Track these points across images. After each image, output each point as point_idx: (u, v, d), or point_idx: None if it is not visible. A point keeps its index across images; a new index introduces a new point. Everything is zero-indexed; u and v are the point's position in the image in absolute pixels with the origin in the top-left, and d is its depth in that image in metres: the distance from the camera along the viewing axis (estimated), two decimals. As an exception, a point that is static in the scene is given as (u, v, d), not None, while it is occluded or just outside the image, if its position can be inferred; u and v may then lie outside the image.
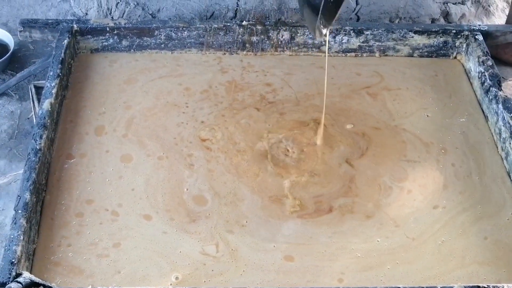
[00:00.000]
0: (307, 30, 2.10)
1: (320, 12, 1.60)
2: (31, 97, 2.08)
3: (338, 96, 2.02)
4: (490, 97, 1.94)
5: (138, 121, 1.88)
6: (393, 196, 1.72)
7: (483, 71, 2.00)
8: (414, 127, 1.92)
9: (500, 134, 1.86)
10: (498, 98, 1.90)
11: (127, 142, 1.81)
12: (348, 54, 2.16)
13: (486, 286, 1.39)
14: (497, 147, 1.87)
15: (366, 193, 1.72)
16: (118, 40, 2.08)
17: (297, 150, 1.83)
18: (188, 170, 1.75)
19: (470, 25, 2.17)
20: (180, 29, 2.08)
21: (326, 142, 1.86)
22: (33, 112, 2.04)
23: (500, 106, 1.87)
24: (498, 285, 1.40)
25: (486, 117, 1.96)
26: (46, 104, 1.77)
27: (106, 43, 2.09)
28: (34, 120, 1.94)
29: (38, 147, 1.65)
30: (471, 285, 1.40)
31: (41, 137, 1.68)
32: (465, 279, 1.52)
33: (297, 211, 1.66)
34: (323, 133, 1.87)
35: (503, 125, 1.84)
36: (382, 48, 2.15)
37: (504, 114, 1.84)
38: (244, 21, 2.11)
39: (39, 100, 1.96)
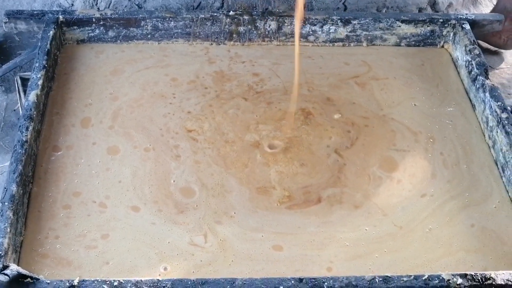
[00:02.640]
0: (294, 20, 2.09)
1: None
2: (17, 89, 2.07)
3: (327, 85, 2.01)
4: (477, 86, 1.94)
5: (125, 113, 1.87)
6: (383, 186, 1.72)
7: (470, 60, 2.01)
8: (402, 116, 1.92)
9: (487, 122, 1.86)
10: (485, 86, 1.90)
11: (114, 134, 1.80)
12: (336, 44, 2.16)
13: (473, 274, 1.39)
14: (484, 136, 1.87)
15: (355, 183, 1.72)
16: (104, 31, 2.07)
17: (285, 141, 1.83)
18: (174, 161, 1.75)
19: (457, 14, 2.18)
20: (167, 19, 2.07)
21: (315, 132, 1.86)
22: (19, 104, 2.03)
23: (487, 94, 1.88)
24: (486, 272, 1.40)
25: (473, 106, 1.96)
26: (32, 96, 1.76)
27: (92, 34, 2.07)
28: (20, 112, 1.93)
29: (24, 139, 1.64)
30: (458, 273, 1.40)
31: (27, 129, 1.67)
32: (452, 266, 1.53)
33: (286, 202, 1.66)
34: (312, 123, 1.87)
35: (490, 114, 1.84)
36: (369, 37, 2.15)
37: (491, 103, 1.85)
38: (231, 11, 2.10)
39: (25, 92, 1.95)
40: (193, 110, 1.90)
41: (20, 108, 2.00)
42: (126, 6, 2.30)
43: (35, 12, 2.05)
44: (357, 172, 1.75)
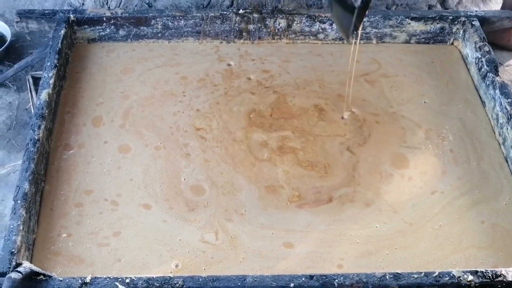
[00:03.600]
0: (303, 18, 2.10)
1: (355, 14, 1.53)
2: (28, 88, 2.08)
3: (337, 83, 2.01)
4: (487, 83, 1.94)
5: (135, 111, 1.88)
6: (394, 184, 1.72)
7: (480, 56, 2.00)
8: (412, 113, 1.92)
9: (497, 119, 1.86)
10: (495, 83, 1.90)
11: (125, 132, 1.82)
12: (345, 42, 2.15)
13: (484, 271, 1.40)
14: (494, 133, 1.87)
15: (367, 182, 1.73)
16: (115, 30, 2.08)
17: (298, 138, 1.83)
18: (184, 160, 1.76)
19: (467, 11, 2.17)
20: (177, 18, 2.08)
21: (327, 129, 1.86)
22: (31, 103, 2.04)
23: (497, 91, 1.87)
24: (496, 269, 1.40)
25: (483, 103, 1.96)
26: (44, 95, 1.77)
27: (103, 33, 2.09)
28: (32, 111, 1.94)
29: (36, 138, 1.66)
30: (469, 270, 1.40)
31: (39, 128, 1.68)
32: (463, 263, 1.53)
33: (296, 201, 1.67)
34: (327, 118, 1.89)
35: (500, 111, 1.84)
36: (379, 35, 2.15)
37: (501, 100, 1.84)
38: (241, 10, 2.11)
39: (36, 91, 1.97)
40: (202, 108, 1.90)
41: (32, 107, 2.02)
42: (136, 5, 2.31)
43: (46, 11, 2.06)
44: (370, 170, 1.76)
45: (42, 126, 1.70)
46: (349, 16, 1.54)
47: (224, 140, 1.81)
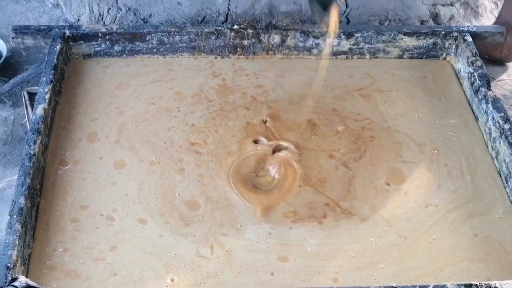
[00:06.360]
0: (297, 33, 2.12)
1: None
2: (24, 103, 2.09)
3: (332, 97, 2.03)
4: (480, 97, 1.96)
5: (130, 127, 1.89)
6: (389, 198, 1.73)
7: (472, 71, 2.03)
8: (406, 128, 1.94)
9: (490, 133, 1.88)
10: (488, 98, 1.92)
11: (120, 148, 1.82)
12: (339, 57, 2.18)
13: (478, 284, 1.40)
14: (487, 147, 1.89)
15: (363, 196, 1.73)
16: (110, 46, 2.09)
17: (293, 153, 1.84)
18: (179, 175, 1.76)
19: (459, 26, 2.19)
20: (172, 33, 2.09)
21: (321, 145, 1.87)
22: (26, 118, 2.04)
23: (490, 106, 1.89)
24: (491, 282, 1.41)
25: (476, 117, 1.98)
26: (40, 110, 1.78)
27: (98, 49, 2.10)
28: (28, 126, 1.95)
29: (32, 153, 1.66)
30: (463, 283, 1.41)
31: (35, 143, 1.69)
32: (457, 276, 1.54)
33: (291, 217, 1.67)
34: (319, 133, 1.90)
35: (493, 125, 1.86)
36: (372, 50, 2.17)
37: (494, 114, 1.86)
38: (235, 25, 2.12)
39: (32, 106, 1.97)
40: (197, 123, 1.91)
41: (27, 122, 2.02)
42: (131, 21, 2.33)
43: (41, 27, 2.07)
44: (365, 185, 1.76)
45: (38, 141, 1.70)
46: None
47: (219, 155, 1.82)
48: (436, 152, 1.87)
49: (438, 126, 1.95)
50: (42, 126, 1.75)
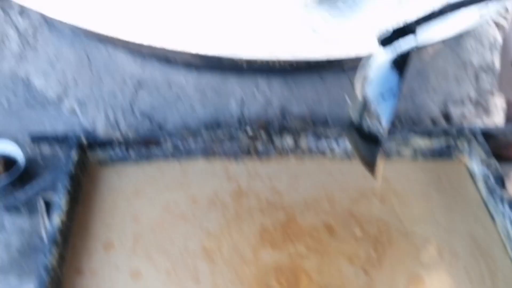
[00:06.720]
0: (309, 134, 2.14)
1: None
2: (40, 212, 2.09)
3: (347, 199, 2.03)
4: (496, 198, 1.95)
5: (146, 235, 1.89)
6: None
7: (486, 172, 2.03)
8: (423, 231, 1.92)
9: (508, 235, 1.86)
10: (503, 199, 1.91)
11: (136, 257, 1.81)
12: (353, 159, 2.18)
13: None
14: (506, 249, 1.86)
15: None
16: (126, 152, 2.12)
17: (308, 258, 1.82)
18: (195, 285, 1.74)
19: (471, 126, 2.21)
20: (186, 139, 2.12)
21: (338, 250, 1.86)
22: (42, 228, 2.04)
23: (506, 207, 1.88)
24: None
25: (493, 219, 1.96)
26: (56, 219, 1.79)
27: (114, 156, 2.12)
28: (44, 236, 1.95)
29: (48, 263, 1.66)
30: None
31: (51, 253, 1.69)
32: None
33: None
34: (337, 238, 1.88)
35: (511, 226, 1.84)
36: (385, 151, 2.19)
37: (511, 215, 1.85)
38: (249, 129, 2.15)
39: (48, 215, 1.98)
40: (212, 230, 1.91)
41: (43, 231, 2.02)
42: (147, 127, 2.36)
43: (59, 135, 2.11)
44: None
45: (54, 252, 1.70)
46: (371, 147, 1.52)
47: (234, 263, 1.81)
48: (455, 255, 1.84)
49: (455, 228, 1.94)
50: (59, 236, 1.75)
